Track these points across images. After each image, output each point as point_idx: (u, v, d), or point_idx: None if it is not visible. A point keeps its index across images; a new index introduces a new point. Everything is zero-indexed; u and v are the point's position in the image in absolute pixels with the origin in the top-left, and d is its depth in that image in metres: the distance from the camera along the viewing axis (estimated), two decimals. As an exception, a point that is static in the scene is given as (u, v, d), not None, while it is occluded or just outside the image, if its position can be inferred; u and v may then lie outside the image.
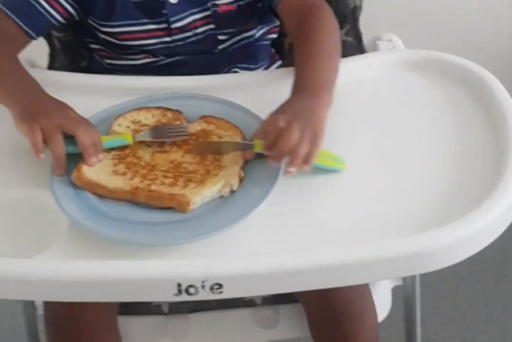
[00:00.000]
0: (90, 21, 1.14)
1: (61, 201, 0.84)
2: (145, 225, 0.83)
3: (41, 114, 0.89)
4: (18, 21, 1.06)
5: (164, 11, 1.12)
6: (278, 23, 1.24)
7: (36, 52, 1.19)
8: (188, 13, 1.13)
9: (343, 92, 1.01)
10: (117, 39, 1.14)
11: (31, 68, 1.14)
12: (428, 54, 1.10)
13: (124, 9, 1.11)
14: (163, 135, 0.94)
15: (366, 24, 1.25)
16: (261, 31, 1.21)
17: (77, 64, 1.29)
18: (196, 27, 1.14)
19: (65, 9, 1.10)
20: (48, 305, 1.09)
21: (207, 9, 1.13)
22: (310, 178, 0.90)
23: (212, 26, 1.15)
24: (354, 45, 1.25)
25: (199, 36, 1.15)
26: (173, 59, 1.16)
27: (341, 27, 1.24)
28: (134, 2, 1.11)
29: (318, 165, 0.88)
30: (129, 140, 0.92)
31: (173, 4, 1.12)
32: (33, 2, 1.07)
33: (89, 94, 1.03)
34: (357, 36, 1.25)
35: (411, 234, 0.80)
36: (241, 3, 1.14)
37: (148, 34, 1.13)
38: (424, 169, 0.91)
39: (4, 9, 1.06)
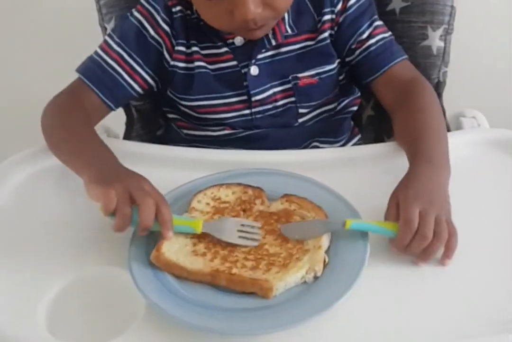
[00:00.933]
0: (169, 94, 1.14)
1: (139, 282, 0.81)
2: (225, 312, 0.79)
3: (116, 181, 0.87)
4: (100, 94, 1.06)
5: (245, 83, 1.11)
6: (359, 94, 1.22)
7: (111, 119, 1.19)
8: (268, 85, 1.12)
9: None
10: (196, 112, 1.13)
11: (108, 137, 1.14)
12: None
13: (203, 82, 1.11)
14: (231, 236, 0.88)
15: (449, 100, 1.22)
16: (342, 104, 1.19)
17: (153, 133, 1.29)
18: (277, 100, 1.13)
19: (145, 81, 1.10)
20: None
21: (288, 82, 1.12)
22: (400, 263, 0.85)
23: (293, 99, 1.13)
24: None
25: (279, 109, 1.14)
26: (252, 132, 1.14)
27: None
28: (214, 75, 1.10)
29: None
30: (197, 229, 0.87)
31: (254, 76, 1.11)
32: (114, 74, 1.07)
33: (166, 167, 1.02)
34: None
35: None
36: (323, 76, 1.12)
37: (228, 107, 1.12)
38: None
39: (86, 81, 1.06)
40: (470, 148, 1.05)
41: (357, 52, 1.11)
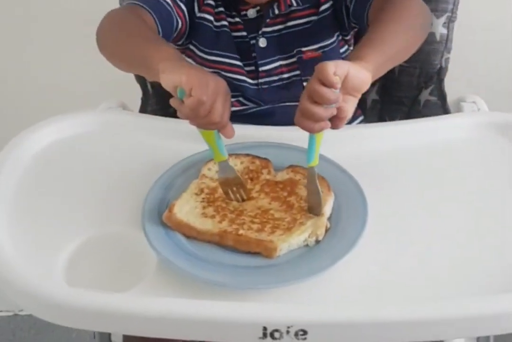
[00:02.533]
0: (191, 47, 1.20)
1: (152, 239, 0.87)
2: (232, 268, 0.85)
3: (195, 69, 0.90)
4: (155, 16, 1.10)
5: (254, 54, 1.18)
6: None
7: (126, 95, 1.24)
8: (275, 58, 1.19)
9: (425, 151, 1.05)
10: (209, 68, 1.18)
11: (123, 110, 1.19)
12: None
13: (225, 41, 1.18)
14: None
15: (450, 85, 1.27)
16: None
17: (167, 109, 1.33)
18: (283, 73, 1.19)
19: (185, 20, 1.17)
20: (127, 339, 1.11)
21: (293, 56, 1.18)
22: (398, 227, 0.91)
23: (297, 72, 1.19)
24: (438, 105, 1.28)
25: (285, 81, 1.20)
26: (260, 108, 1.20)
27: (426, 87, 1.28)
28: (235, 40, 1.17)
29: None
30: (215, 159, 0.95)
31: (262, 48, 1.18)
32: (166, 6, 1.13)
33: (178, 139, 1.07)
34: (442, 96, 1.27)
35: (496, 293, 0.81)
36: (326, 49, 1.18)
37: (238, 69, 1.18)
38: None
39: (143, 4, 1.11)
40: (469, 131, 1.09)
41: (349, 3, 1.14)
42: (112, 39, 1.07)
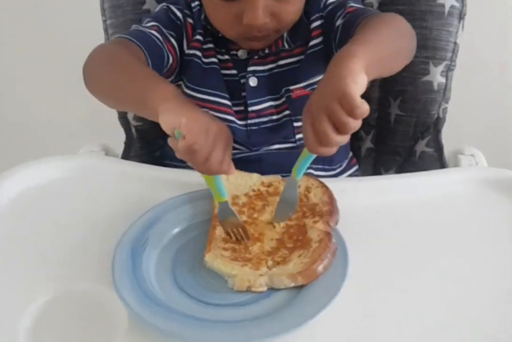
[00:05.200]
0: (181, 83, 1.15)
1: (122, 292, 0.80)
2: (211, 322, 0.78)
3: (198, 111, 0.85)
4: (144, 49, 1.05)
5: (243, 94, 1.13)
6: None
7: (110, 138, 1.19)
8: (266, 98, 1.13)
9: (419, 207, 0.99)
10: (200, 104, 1.12)
11: (106, 156, 1.14)
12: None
13: (215, 79, 1.12)
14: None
15: (447, 137, 1.22)
16: None
17: (151, 153, 1.28)
18: (273, 114, 1.14)
19: (176, 56, 1.11)
20: None
21: (282, 96, 1.13)
22: (388, 280, 0.85)
23: (287, 112, 1.13)
24: (434, 157, 1.23)
25: (275, 123, 1.14)
26: (249, 154, 1.14)
27: (422, 138, 1.23)
28: (224, 78, 1.12)
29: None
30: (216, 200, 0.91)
31: (253, 87, 1.12)
32: (154, 38, 1.08)
33: (163, 187, 1.01)
34: (439, 148, 1.23)
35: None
36: (314, 87, 1.12)
37: (227, 109, 1.13)
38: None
39: (130, 37, 1.05)
40: (466, 186, 1.03)
41: (337, 33, 1.09)
42: (101, 73, 1.00)
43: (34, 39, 1.70)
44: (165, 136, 1.18)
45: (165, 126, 0.83)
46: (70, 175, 1.05)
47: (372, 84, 1.26)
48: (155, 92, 0.88)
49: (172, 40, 1.10)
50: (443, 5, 1.15)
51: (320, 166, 1.16)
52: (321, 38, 1.12)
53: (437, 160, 1.23)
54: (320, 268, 0.83)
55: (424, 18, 1.17)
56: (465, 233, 0.95)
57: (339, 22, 1.08)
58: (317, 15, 1.12)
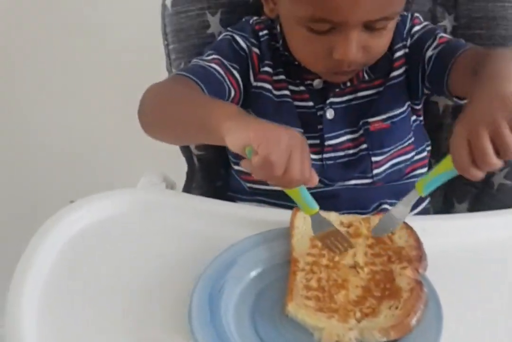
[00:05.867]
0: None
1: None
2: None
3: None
4: (203, 87, 0.99)
5: (320, 126, 1.07)
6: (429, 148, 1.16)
7: (169, 168, 1.14)
8: (343, 131, 1.08)
9: (503, 248, 0.93)
10: None
11: (165, 188, 1.10)
12: None
13: (287, 113, 1.07)
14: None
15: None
16: (418, 156, 1.13)
17: (213, 183, 1.24)
18: (349, 148, 1.09)
19: (239, 88, 1.06)
20: None
21: (360, 128, 1.08)
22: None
23: (364, 145, 1.08)
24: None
25: (352, 158, 1.09)
26: (323, 189, 1.08)
27: (501, 169, 1.16)
28: (298, 111, 1.07)
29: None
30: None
31: (330, 120, 1.07)
32: (215, 72, 1.03)
33: (230, 224, 0.95)
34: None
35: None
36: (394, 119, 1.07)
37: None
38: None
39: (187, 74, 1.00)
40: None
41: (427, 65, 1.05)
42: (157, 109, 0.96)
43: (93, 64, 1.66)
44: (227, 166, 1.16)
45: (233, 146, 0.78)
46: (130, 210, 0.99)
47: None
48: (215, 113, 0.83)
49: (235, 72, 1.05)
50: (523, 29, 1.09)
51: (395, 200, 1.10)
52: (403, 69, 1.07)
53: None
54: (413, 321, 0.78)
55: (505, 44, 1.11)
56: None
57: (430, 52, 1.03)
58: (400, 44, 1.07)
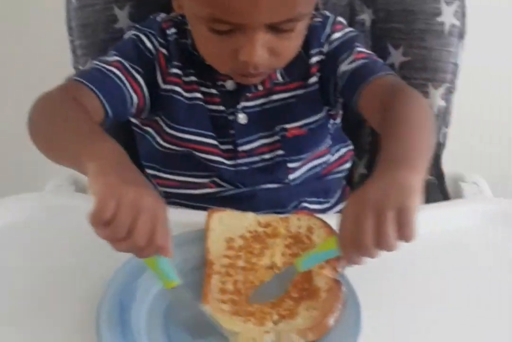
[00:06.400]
0: (159, 120, 1.04)
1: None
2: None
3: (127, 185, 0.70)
4: (99, 94, 0.94)
5: (231, 131, 1.03)
6: (351, 147, 1.15)
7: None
8: (256, 136, 1.04)
9: (425, 242, 0.86)
10: (179, 146, 1.04)
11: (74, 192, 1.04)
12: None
13: (199, 117, 1.03)
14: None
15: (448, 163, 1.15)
16: (334, 157, 1.11)
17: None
18: (264, 153, 1.05)
19: (143, 94, 1.00)
20: None
21: (276, 134, 1.04)
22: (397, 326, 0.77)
23: (281, 152, 1.05)
24: (435, 185, 1.16)
25: (268, 163, 1.05)
26: (237, 191, 1.05)
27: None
28: (210, 115, 1.03)
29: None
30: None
31: (242, 125, 1.03)
32: (115, 78, 0.97)
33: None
34: (439, 175, 1.16)
35: None
36: (312, 126, 1.04)
37: (213, 149, 1.03)
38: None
39: (83, 80, 0.94)
40: (471, 219, 0.95)
41: (339, 79, 1.01)
42: (42, 128, 0.88)
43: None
44: (141, 170, 1.11)
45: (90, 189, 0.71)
46: (36, 214, 0.94)
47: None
48: (89, 148, 0.77)
49: (138, 76, 1.00)
50: (442, 24, 1.09)
51: (314, 199, 1.08)
52: (319, 75, 1.04)
53: (438, 188, 1.15)
54: (331, 321, 0.75)
55: (423, 38, 1.10)
56: (478, 270, 0.87)
57: (344, 67, 1.00)
58: (317, 50, 1.03)
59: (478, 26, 1.13)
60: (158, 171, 1.09)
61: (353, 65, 0.99)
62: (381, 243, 0.68)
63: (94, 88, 0.94)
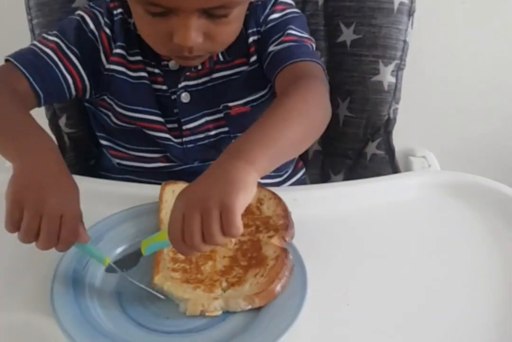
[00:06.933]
0: (107, 99, 1.05)
1: (64, 323, 0.73)
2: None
3: (37, 190, 0.74)
4: (30, 78, 0.94)
5: (175, 110, 1.04)
6: None
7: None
8: (200, 114, 1.05)
9: (374, 215, 0.95)
10: (129, 124, 1.05)
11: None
12: (466, 177, 1.01)
13: (145, 95, 1.03)
14: None
15: (398, 138, 1.18)
16: None
17: (86, 162, 1.20)
18: (209, 129, 1.07)
19: (81, 77, 1.00)
20: None
21: (220, 111, 1.06)
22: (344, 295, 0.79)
23: (226, 129, 1.07)
24: (386, 160, 1.18)
25: (212, 139, 1.07)
26: (187, 166, 1.07)
27: (372, 140, 1.19)
28: (155, 94, 1.03)
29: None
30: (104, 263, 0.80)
31: (185, 104, 1.04)
32: (49, 61, 0.97)
33: (104, 201, 0.93)
34: (390, 150, 1.18)
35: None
36: (254, 103, 1.06)
37: (160, 126, 1.04)
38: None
39: (15, 63, 0.95)
40: (420, 191, 0.99)
41: (266, 59, 1.02)
42: None
43: None
44: (99, 144, 1.13)
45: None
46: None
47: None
48: (17, 143, 0.80)
49: (73, 58, 0.99)
50: (392, 2, 1.10)
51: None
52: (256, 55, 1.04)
53: (388, 163, 1.18)
54: (278, 287, 0.78)
55: (373, 16, 1.11)
56: (424, 240, 0.90)
57: (271, 48, 1.00)
58: (255, 29, 1.03)
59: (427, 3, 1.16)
60: (112, 142, 1.10)
61: (278, 47, 1.00)
62: (208, 241, 0.70)
63: (25, 72, 0.94)
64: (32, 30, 1.12)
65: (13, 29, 1.20)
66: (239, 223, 0.69)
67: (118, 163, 1.11)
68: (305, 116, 0.86)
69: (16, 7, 1.14)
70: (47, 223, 0.72)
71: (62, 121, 1.17)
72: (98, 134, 1.12)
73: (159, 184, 0.96)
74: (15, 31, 1.15)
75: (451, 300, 0.80)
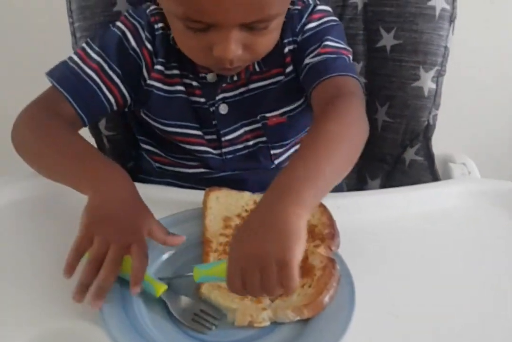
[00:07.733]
0: (143, 115, 1.06)
1: (112, 330, 0.73)
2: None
3: (109, 225, 0.80)
4: (74, 105, 0.97)
5: (214, 122, 1.05)
6: None
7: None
8: (238, 124, 1.06)
9: (415, 223, 0.94)
10: (170, 139, 1.06)
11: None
12: (508, 185, 1.01)
13: (180, 108, 1.04)
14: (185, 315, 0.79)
15: (438, 144, 1.17)
16: None
17: (124, 165, 1.20)
18: (248, 140, 1.08)
19: (122, 95, 1.02)
20: None
21: (258, 121, 1.06)
22: (390, 300, 0.80)
23: (263, 138, 1.07)
24: (424, 166, 1.18)
25: (251, 149, 1.08)
26: (227, 173, 1.08)
27: (411, 145, 1.18)
28: (192, 106, 1.04)
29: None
30: (157, 293, 0.79)
31: (223, 115, 1.04)
32: (92, 84, 0.99)
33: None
34: (429, 156, 1.18)
35: None
36: (291, 113, 1.06)
37: (198, 140, 1.05)
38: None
39: (61, 89, 0.97)
40: (459, 199, 0.99)
41: (302, 71, 1.01)
42: (33, 151, 0.94)
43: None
44: (138, 147, 1.14)
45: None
46: (34, 195, 0.97)
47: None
48: (90, 175, 0.86)
49: (115, 78, 1.00)
50: (433, 8, 1.09)
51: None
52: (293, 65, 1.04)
53: (427, 169, 1.18)
54: (326, 299, 0.78)
55: (414, 21, 1.11)
56: (467, 249, 0.90)
57: (308, 60, 1.00)
58: (291, 39, 1.03)
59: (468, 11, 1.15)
60: (153, 146, 1.11)
61: (315, 59, 0.99)
62: (267, 293, 0.72)
63: (70, 98, 0.97)
64: (73, 34, 1.12)
65: (55, 32, 1.20)
66: (297, 276, 0.69)
67: (158, 167, 1.12)
68: (346, 141, 0.85)
69: (58, 11, 1.14)
70: (111, 260, 0.77)
71: (102, 124, 1.18)
72: (139, 137, 1.13)
73: (199, 188, 0.96)
74: (57, 35, 1.16)
75: (503, 311, 0.80)
